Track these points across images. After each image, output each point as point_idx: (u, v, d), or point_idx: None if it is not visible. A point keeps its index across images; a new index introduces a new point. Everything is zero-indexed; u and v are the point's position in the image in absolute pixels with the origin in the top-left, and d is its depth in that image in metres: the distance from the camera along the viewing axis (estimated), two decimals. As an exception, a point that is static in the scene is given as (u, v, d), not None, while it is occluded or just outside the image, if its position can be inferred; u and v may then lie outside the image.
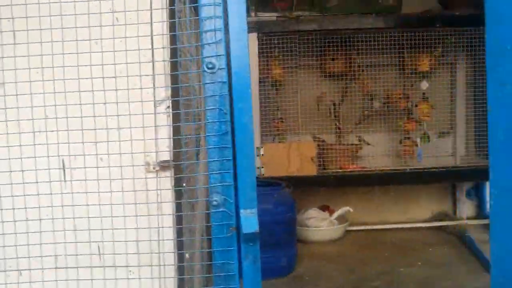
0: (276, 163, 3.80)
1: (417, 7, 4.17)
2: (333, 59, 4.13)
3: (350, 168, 3.95)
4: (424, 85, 3.98)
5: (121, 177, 1.28)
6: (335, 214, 4.19)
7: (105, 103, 1.27)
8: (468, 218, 4.71)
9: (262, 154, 3.77)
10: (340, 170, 3.91)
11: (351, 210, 4.21)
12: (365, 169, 3.98)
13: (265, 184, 3.53)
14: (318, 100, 4.10)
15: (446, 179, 4.08)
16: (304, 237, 4.08)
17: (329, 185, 3.86)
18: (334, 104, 4.18)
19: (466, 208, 4.79)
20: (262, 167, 3.77)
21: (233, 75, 1.23)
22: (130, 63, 1.27)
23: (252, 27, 3.75)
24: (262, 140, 3.84)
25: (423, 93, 4.02)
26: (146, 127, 1.28)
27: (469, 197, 4.81)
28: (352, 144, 4.15)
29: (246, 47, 1.21)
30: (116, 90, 1.27)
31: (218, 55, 1.21)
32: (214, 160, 1.23)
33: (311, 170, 3.81)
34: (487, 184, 4.47)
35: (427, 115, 4.01)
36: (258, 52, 3.79)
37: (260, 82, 3.82)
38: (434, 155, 4.28)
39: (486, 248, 3.87)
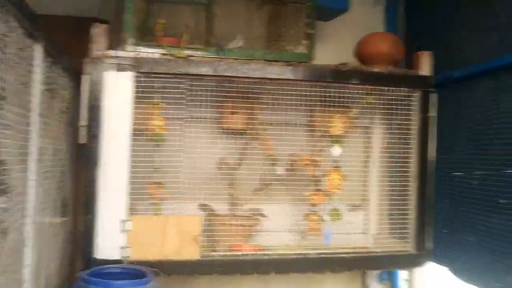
0: (147, 242, 2.90)
1: (332, 58, 3.57)
2: (232, 113, 3.38)
3: (243, 250, 3.13)
4: (336, 151, 3.32)
5: None
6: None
7: None
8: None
9: (130, 230, 2.87)
10: (229, 253, 3.07)
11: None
12: (261, 250, 3.18)
13: (126, 273, 2.62)
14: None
15: (356, 267, 3.37)
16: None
17: (214, 272, 3.00)
18: (229, 167, 3.40)
19: (378, 295, 4.16)
20: (128, 247, 2.86)
21: None
22: None
23: (128, 64, 2.92)
24: (131, 210, 2.93)
25: (335, 161, 3.35)
26: None
27: (381, 281, 4.17)
28: (247, 217, 3.36)
29: None
30: None
31: None
32: None
33: (193, 252, 2.95)
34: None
35: (338, 187, 3.33)
36: (134, 96, 2.94)
37: (134, 134, 2.95)
38: (344, 232, 3.59)
39: None
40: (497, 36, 3.06)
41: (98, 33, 2.91)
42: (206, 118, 3.37)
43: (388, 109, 3.44)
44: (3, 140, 1.67)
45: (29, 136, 2.11)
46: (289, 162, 3.42)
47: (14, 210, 1.84)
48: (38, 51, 2.17)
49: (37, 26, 2.08)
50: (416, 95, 3.35)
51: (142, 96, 2.96)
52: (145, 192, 3.00)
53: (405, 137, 3.40)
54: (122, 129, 2.90)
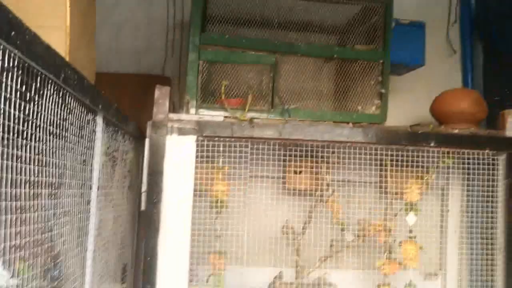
0: (207, 317, 2.73)
1: (404, 113, 3.34)
2: (296, 173, 3.20)
3: (310, 326, 2.90)
4: (411, 219, 3.05)
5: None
6: None
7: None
8: None
9: (189, 303, 2.71)
10: (295, 331, 2.85)
11: None
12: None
13: None
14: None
15: None
16: None
17: None
18: (294, 232, 3.19)
19: None
20: (188, 321, 2.70)
21: None
22: None
23: (191, 128, 2.81)
24: (191, 283, 2.78)
25: (410, 230, 3.08)
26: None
27: None
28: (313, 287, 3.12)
29: None
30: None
31: None
32: None
33: (255, 329, 2.74)
34: None
35: (413, 259, 3.04)
36: (197, 160, 2.83)
37: (195, 200, 2.82)
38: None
39: None
40: None
41: (161, 95, 2.83)
42: (269, 177, 3.20)
43: (468, 172, 3.15)
44: (59, 230, 1.56)
45: (88, 215, 2.01)
46: (358, 228, 3.17)
47: (68, 301, 1.72)
48: (99, 125, 2.09)
49: (98, 98, 2.00)
50: (502, 158, 3.05)
51: (204, 160, 2.84)
52: (205, 261, 2.85)
53: (489, 204, 3.09)
54: (184, 195, 2.77)
